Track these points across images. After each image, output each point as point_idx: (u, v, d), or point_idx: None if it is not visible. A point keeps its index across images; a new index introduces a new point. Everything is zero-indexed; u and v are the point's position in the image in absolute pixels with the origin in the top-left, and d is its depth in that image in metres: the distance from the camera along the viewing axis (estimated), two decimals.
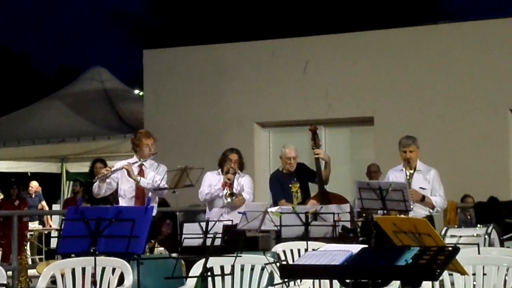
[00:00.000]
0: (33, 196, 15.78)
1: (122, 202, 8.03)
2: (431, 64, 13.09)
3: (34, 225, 15.37)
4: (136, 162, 8.09)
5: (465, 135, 12.73)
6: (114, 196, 8.27)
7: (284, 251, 7.34)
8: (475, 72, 12.81)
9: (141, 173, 8.05)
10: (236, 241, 7.37)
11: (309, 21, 23.11)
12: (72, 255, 6.42)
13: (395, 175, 8.30)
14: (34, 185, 15.90)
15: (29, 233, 14.75)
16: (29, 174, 17.91)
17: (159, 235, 11.29)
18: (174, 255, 7.31)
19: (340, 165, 12.75)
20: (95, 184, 8.07)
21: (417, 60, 13.19)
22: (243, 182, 8.73)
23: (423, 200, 8.12)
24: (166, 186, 8.17)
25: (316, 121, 10.72)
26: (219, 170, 8.80)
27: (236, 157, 8.74)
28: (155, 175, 8.05)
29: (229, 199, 8.54)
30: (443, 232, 7.88)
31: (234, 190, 8.63)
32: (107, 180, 8.00)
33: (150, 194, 8.01)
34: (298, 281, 6.18)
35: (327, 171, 9.03)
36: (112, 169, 7.98)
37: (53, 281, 6.43)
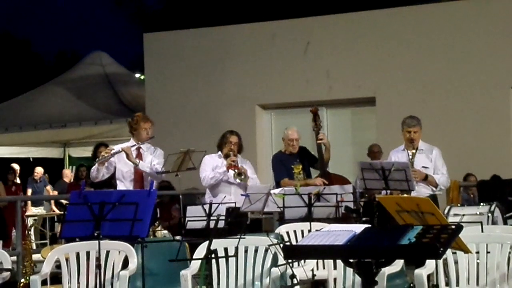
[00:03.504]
0: (38, 181, 15.81)
1: (121, 186, 7.98)
2: (432, 44, 13.06)
3: (38, 210, 15.41)
4: (134, 145, 8.06)
5: (467, 113, 12.72)
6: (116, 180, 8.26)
7: (287, 232, 7.36)
8: (477, 51, 12.79)
9: (139, 156, 8.01)
10: (240, 223, 7.40)
11: (309, 2, 23.03)
12: (76, 240, 6.44)
13: (397, 156, 8.30)
14: (39, 171, 15.92)
15: (33, 218, 14.80)
16: (31, 160, 17.95)
17: (170, 220, 11.33)
18: (178, 237, 7.32)
19: (342, 146, 12.77)
20: (93, 167, 8.03)
21: (418, 40, 13.16)
22: (246, 167, 8.70)
23: (426, 179, 8.12)
24: (163, 169, 8.14)
25: (317, 103, 10.74)
26: (219, 152, 8.73)
27: (236, 139, 8.67)
28: (152, 159, 8.02)
29: (238, 180, 8.51)
30: (446, 211, 7.89)
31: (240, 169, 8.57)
32: (105, 164, 7.97)
33: (148, 177, 7.98)
34: (302, 261, 6.20)
35: (327, 155, 9.04)
36: (112, 151, 7.94)
37: (58, 266, 6.45)
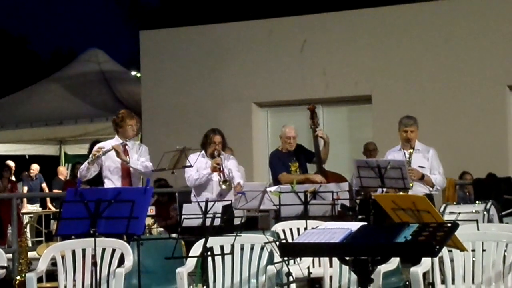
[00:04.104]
0: (34, 179, 15.78)
1: (109, 183, 7.87)
2: (429, 42, 13.07)
3: (34, 208, 15.38)
4: (122, 143, 8.00)
5: (463, 112, 12.73)
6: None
7: (283, 230, 7.36)
8: (473, 49, 12.80)
9: (126, 153, 7.97)
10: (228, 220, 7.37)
11: (306, 0, 23.02)
12: (72, 237, 6.43)
13: (394, 156, 8.28)
14: (35, 168, 15.90)
15: (28, 215, 14.78)
16: (27, 157, 17.92)
17: (168, 219, 11.31)
18: (174, 235, 7.31)
19: (338, 144, 12.76)
20: (83, 166, 7.94)
21: (415, 38, 13.17)
22: (230, 166, 8.64)
23: (422, 178, 8.12)
24: (152, 166, 8.10)
25: (314, 100, 10.72)
26: (203, 152, 8.69)
27: (220, 139, 8.60)
28: (138, 157, 7.97)
29: (224, 186, 8.50)
30: (442, 209, 7.88)
31: (225, 175, 8.54)
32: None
33: (136, 174, 7.94)
34: (298, 259, 6.20)
35: (326, 151, 9.03)
36: (103, 150, 7.88)
37: (54, 263, 6.44)
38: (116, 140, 8.02)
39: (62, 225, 5.99)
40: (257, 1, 24.25)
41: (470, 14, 12.98)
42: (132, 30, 28.41)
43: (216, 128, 8.82)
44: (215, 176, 8.53)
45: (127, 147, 7.99)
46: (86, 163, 7.92)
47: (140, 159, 7.95)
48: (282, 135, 9.10)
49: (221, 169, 8.47)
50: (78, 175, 8.08)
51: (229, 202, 8.01)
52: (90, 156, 7.92)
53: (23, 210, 14.71)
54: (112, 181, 7.90)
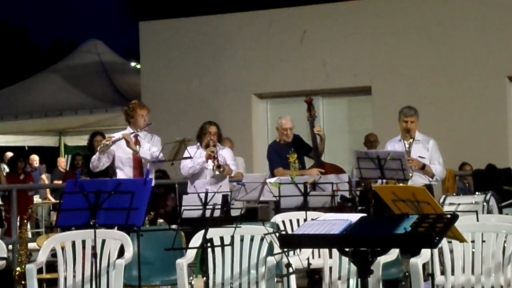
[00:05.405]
0: (33, 170, 15.76)
1: (121, 173, 7.93)
2: (429, 33, 13.05)
3: (34, 199, 15.38)
4: (133, 132, 8.03)
5: (463, 103, 12.73)
6: (113, 169, 8.24)
7: (283, 221, 7.36)
8: (473, 40, 12.79)
9: (137, 143, 7.99)
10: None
11: None
12: (72, 228, 6.43)
13: (394, 146, 8.28)
14: (36, 159, 15.89)
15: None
16: (26, 148, 17.93)
17: (165, 207, 11.32)
18: (173, 226, 7.32)
19: (338, 135, 12.78)
20: (94, 157, 7.99)
21: (415, 29, 13.15)
22: (224, 155, 8.68)
23: (423, 168, 8.11)
24: (163, 157, 8.13)
25: (313, 92, 10.73)
26: (198, 143, 8.74)
27: (215, 129, 8.68)
28: (151, 147, 8.01)
29: (217, 172, 8.52)
30: (441, 200, 7.88)
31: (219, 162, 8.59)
32: (105, 152, 7.94)
33: (148, 165, 7.97)
34: (298, 250, 6.21)
35: (321, 147, 9.05)
36: (113, 139, 7.91)
37: (54, 254, 6.45)
38: (128, 131, 8.06)
39: (62, 216, 5.99)
40: None
41: (470, 5, 12.96)
42: (131, 21, 28.34)
43: (211, 120, 8.88)
44: (210, 164, 8.56)
45: (138, 137, 8.03)
46: (97, 153, 7.96)
47: (152, 148, 7.98)
48: (279, 127, 9.10)
49: (216, 157, 8.50)
50: (90, 166, 8.13)
51: (228, 192, 8.03)
52: (101, 145, 7.95)
53: None
54: (124, 172, 7.96)
